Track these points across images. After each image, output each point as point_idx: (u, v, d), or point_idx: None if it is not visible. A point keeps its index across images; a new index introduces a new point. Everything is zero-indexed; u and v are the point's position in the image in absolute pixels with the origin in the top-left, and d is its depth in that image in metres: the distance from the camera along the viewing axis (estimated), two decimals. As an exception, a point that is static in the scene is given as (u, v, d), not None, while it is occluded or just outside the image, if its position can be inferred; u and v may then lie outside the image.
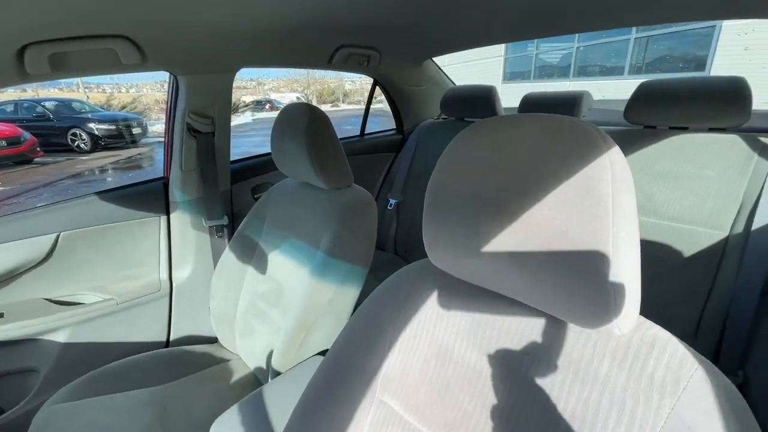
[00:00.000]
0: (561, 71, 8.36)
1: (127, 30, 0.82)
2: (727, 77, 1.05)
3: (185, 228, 1.28)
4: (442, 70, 1.85)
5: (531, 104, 1.40)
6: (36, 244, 1.06)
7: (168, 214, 1.27)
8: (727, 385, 0.38)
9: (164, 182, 1.27)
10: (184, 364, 1.12)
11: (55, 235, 1.08)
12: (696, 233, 1.08)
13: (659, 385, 0.38)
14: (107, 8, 0.70)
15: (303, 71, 20.65)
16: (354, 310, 1.35)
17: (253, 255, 1.16)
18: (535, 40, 8.55)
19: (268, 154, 1.52)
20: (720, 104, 1.04)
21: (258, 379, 1.10)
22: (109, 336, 1.18)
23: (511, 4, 1.03)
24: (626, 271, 0.37)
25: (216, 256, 1.31)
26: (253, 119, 14.18)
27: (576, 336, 0.44)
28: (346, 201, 1.00)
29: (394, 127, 1.97)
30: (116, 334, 1.20)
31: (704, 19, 1.06)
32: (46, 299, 1.12)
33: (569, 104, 1.29)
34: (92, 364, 1.08)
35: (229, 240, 1.30)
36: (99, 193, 1.18)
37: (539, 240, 0.39)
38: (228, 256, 1.18)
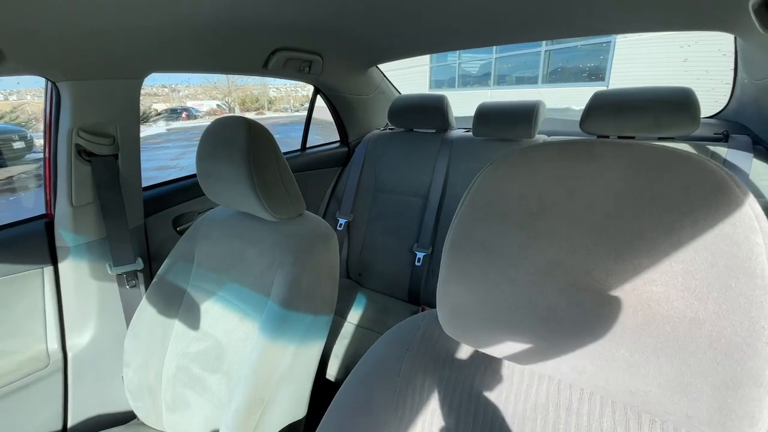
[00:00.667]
0: (481, 80, 8.87)
1: None
2: (676, 88, 1.07)
3: (82, 279, 0.98)
4: (387, 79, 1.74)
5: (486, 114, 1.34)
6: None
7: (55, 263, 0.96)
8: None
9: (47, 221, 0.96)
10: None
11: None
12: None
13: None
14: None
15: (223, 76, 19.42)
16: (328, 355, 1.15)
17: (179, 306, 0.92)
18: (457, 51, 8.99)
19: (193, 175, 1.26)
20: (668, 114, 1.06)
21: None
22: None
23: (461, 12, 0.96)
24: None
25: (129, 312, 1.03)
26: (167, 129, 12.89)
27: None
28: (300, 235, 0.82)
29: (326, 137, 1.81)
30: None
31: (653, 30, 1.08)
32: None
33: (526, 114, 1.25)
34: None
35: (146, 289, 1.03)
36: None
37: (641, 326, 0.27)
38: (146, 309, 0.92)
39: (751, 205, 0.24)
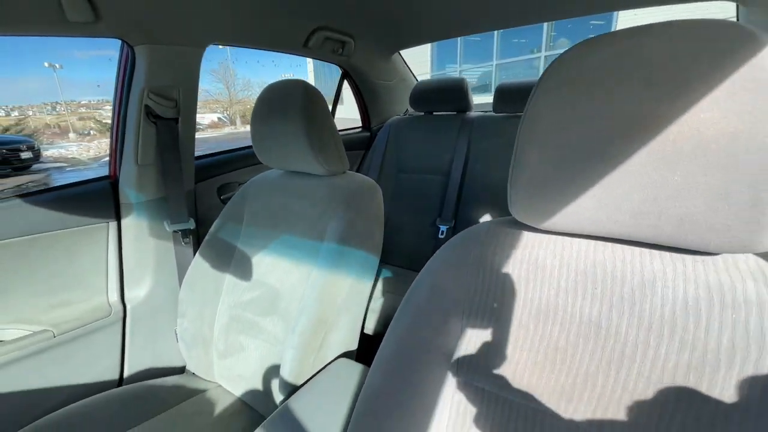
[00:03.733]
0: (481, 89, 9.08)
1: None
2: None
3: (141, 235, 1.05)
4: (408, 67, 1.84)
5: (507, 90, 1.43)
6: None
7: (118, 219, 1.03)
8: None
9: (111, 182, 1.04)
10: (147, 403, 0.90)
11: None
12: None
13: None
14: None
15: (223, 90, 19.69)
16: (367, 307, 1.22)
17: (231, 261, 0.99)
18: (457, 59, 9.20)
19: (235, 149, 1.35)
20: None
21: (250, 406, 0.92)
22: (46, 379, 0.90)
23: None
24: None
25: (181, 268, 1.10)
26: (218, 119, 13.16)
27: (714, 262, 0.40)
28: (350, 187, 0.90)
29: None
30: (55, 376, 0.92)
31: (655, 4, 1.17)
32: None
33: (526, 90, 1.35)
34: (26, 417, 0.82)
35: (196, 248, 1.10)
36: (23, 197, 0.91)
37: (687, 153, 0.35)
38: (199, 265, 0.99)
39: None
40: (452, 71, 9.52)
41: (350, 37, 1.33)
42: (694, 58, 0.34)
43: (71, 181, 1.00)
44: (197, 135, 1.15)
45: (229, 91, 20.21)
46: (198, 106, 1.11)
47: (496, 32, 8.04)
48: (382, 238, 0.94)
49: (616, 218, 0.40)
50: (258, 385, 0.91)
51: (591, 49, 0.40)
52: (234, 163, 1.31)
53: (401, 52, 1.73)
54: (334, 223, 0.86)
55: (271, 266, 0.94)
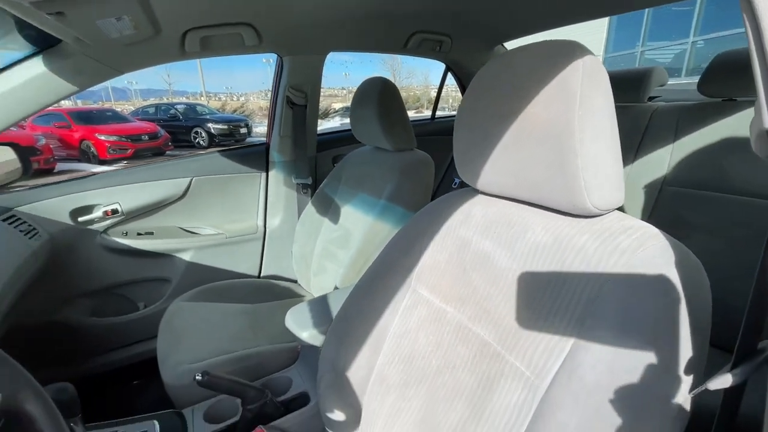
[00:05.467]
0: (671, 72, 7.51)
1: (250, 18, 1.10)
2: None
3: (279, 184, 1.57)
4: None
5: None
6: (176, 185, 1.43)
7: (267, 171, 1.58)
8: (688, 259, 0.45)
9: (266, 146, 1.58)
10: (270, 293, 1.39)
11: (189, 179, 1.44)
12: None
13: (623, 248, 0.47)
14: (238, 2, 0.98)
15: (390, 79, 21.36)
16: None
17: (329, 209, 1.40)
18: (641, 36, 7.82)
19: (346, 130, 1.78)
20: None
21: None
22: (218, 261, 1.51)
23: None
24: (596, 157, 0.47)
25: (300, 209, 1.58)
26: (340, 124, 15.25)
27: (567, 222, 0.55)
28: (408, 158, 1.18)
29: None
30: (223, 261, 1.53)
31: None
32: (180, 227, 1.48)
33: (636, 80, 1.29)
34: (205, 280, 1.41)
35: (311, 197, 1.56)
36: (221, 151, 1.52)
37: (531, 136, 0.51)
38: (309, 209, 1.43)
39: (583, 60, 0.46)
40: (632, 53, 8.14)
41: (447, 36, 1.55)
42: (535, 70, 0.51)
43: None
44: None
45: (395, 79, 21.91)
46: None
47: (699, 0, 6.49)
48: (428, 201, 1.19)
49: (502, 181, 0.59)
50: None
51: (495, 62, 0.59)
52: (346, 140, 1.73)
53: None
54: (388, 185, 1.16)
55: (350, 214, 1.31)
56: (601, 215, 0.52)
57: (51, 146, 7.68)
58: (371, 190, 1.23)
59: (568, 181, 0.48)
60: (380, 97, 1.13)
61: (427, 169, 1.19)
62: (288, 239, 1.58)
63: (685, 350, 0.40)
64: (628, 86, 1.33)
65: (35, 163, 6.91)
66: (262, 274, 1.61)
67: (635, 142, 1.30)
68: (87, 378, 1.32)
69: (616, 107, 0.49)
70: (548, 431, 0.43)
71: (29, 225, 1.13)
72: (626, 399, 0.39)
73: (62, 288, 1.28)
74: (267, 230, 1.60)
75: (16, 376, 0.45)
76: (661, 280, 0.43)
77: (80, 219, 1.27)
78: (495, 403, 0.53)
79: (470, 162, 0.62)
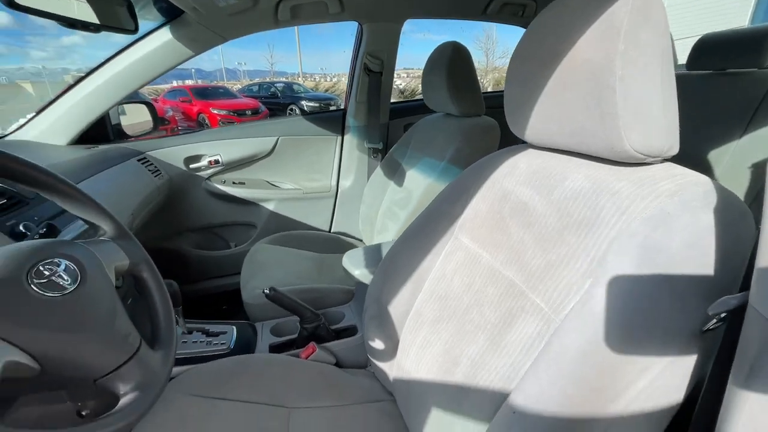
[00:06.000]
0: None
1: None
2: None
3: (352, 148, 1.69)
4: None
5: (709, 45, 1.24)
6: (266, 143, 1.63)
7: (342, 135, 1.70)
8: (733, 208, 0.42)
9: (343, 112, 1.70)
10: (336, 246, 1.53)
11: (276, 138, 1.63)
12: None
13: (659, 191, 0.46)
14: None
15: (482, 57, 20.44)
16: None
17: (396, 172, 1.47)
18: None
19: (421, 100, 1.81)
20: None
21: None
22: (295, 213, 1.70)
23: None
24: (640, 96, 0.45)
25: (370, 172, 1.68)
26: None
27: (609, 170, 0.54)
28: (473, 124, 1.19)
29: None
30: (299, 213, 1.71)
31: None
32: (266, 180, 1.69)
33: (755, 41, 1.10)
34: (284, 228, 1.61)
35: (381, 161, 1.65)
36: (303, 114, 1.68)
37: (573, 79, 0.51)
38: (378, 172, 1.52)
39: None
40: None
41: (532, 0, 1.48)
42: (584, 10, 0.51)
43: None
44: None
45: (487, 59, 20.86)
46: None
47: None
48: None
49: (547, 129, 0.60)
50: None
51: (548, 8, 0.59)
52: (418, 108, 1.77)
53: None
54: (450, 148, 1.19)
55: (413, 177, 1.37)
56: (647, 164, 0.50)
57: (176, 118, 9.00)
58: (435, 153, 1.26)
59: (606, 122, 0.47)
60: (450, 62, 1.15)
61: (491, 134, 1.18)
62: (357, 200, 1.69)
63: (701, 292, 0.39)
64: (743, 49, 1.14)
65: (163, 131, 8.20)
66: (332, 230, 1.76)
67: (747, 114, 1.13)
68: (185, 300, 1.61)
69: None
70: (552, 353, 0.46)
71: (155, 166, 1.40)
72: (631, 329, 0.40)
73: (174, 221, 1.56)
74: (339, 190, 1.73)
75: (140, 253, 0.61)
76: (691, 223, 0.41)
77: (191, 166, 1.53)
78: (512, 336, 0.56)
79: (518, 112, 0.64)
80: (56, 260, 0.44)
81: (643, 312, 0.40)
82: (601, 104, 0.47)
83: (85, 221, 0.58)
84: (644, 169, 0.50)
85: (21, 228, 0.68)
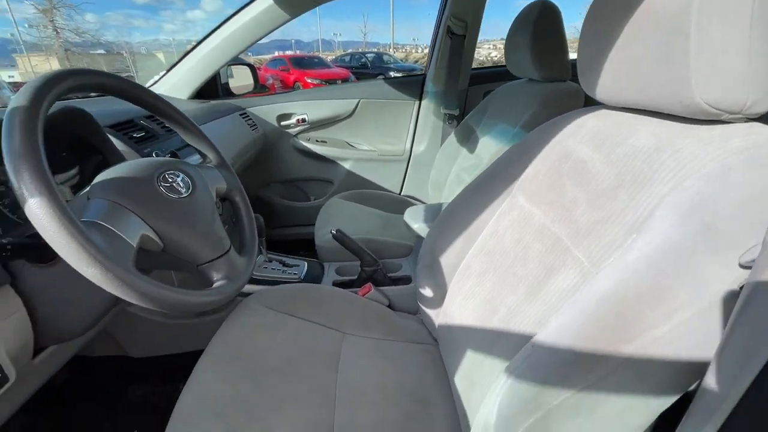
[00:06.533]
0: None
1: None
2: None
3: (428, 113, 1.71)
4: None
5: None
6: (347, 104, 1.73)
7: (420, 100, 1.73)
8: None
9: (423, 77, 1.72)
10: (405, 208, 1.58)
11: (356, 100, 1.72)
12: None
13: (727, 148, 0.42)
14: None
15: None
16: None
17: (469, 139, 1.47)
18: None
19: (503, 66, 1.74)
20: None
21: None
22: (369, 174, 1.80)
23: None
24: (719, 44, 0.41)
25: (443, 138, 1.70)
26: None
27: (678, 127, 0.51)
28: (554, 89, 1.14)
29: None
30: (373, 174, 1.81)
31: None
32: (345, 141, 1.81)
33: None
34: (357, 187, 1.72)
35: (456, 127, 1.65)
36: (385, 78, 1.74)
37: (643, 28, 0.49)
38: (451, 138, 1.53)
39: None
40: None
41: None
42: None
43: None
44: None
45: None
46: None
47: None
48: None
49: (616, 85, 0.58)
50: None
51: None
52: (499, 75, 1.71)
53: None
54: (526, 113, 1.16)
55: (485, 143, 1.36)
56: (725, 122, 0.46)
57: (275, 86, 9.73)
58: (510, 119, 1.24)
59: (675, 72, 0.45)
60: (536, 22, 1.10)
61: (574, 100, 1.12)
62: (429, 165, 1.73)
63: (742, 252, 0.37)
64: None
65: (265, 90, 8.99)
66: (402, 193, 1.84)
67: None
68: (268, 241, 1.85)
69: None
70: (578, 296, 0.47)
71: (253, 122, 1.60)
72: (660, 275, 0.40)
73: (265, 173, 1.78)
74: (412, 154, 1.78)
75: (235, 182, 0.74)
76: (751, 180, 0.39)
77: (282, 123, 1.71)
78: (549, 287, 0.58)
79: (589, 70, 0.62)
80: (176, 173, 0.58)
81: (675, 262, 0.39)
82: (671, 53, 0.45)
83: (198, 151, 0.73)
84: (720, 127, 0.46)
85: (153, 154, 0.87)
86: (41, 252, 0.50)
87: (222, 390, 0.64)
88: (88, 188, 0.51)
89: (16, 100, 0.41)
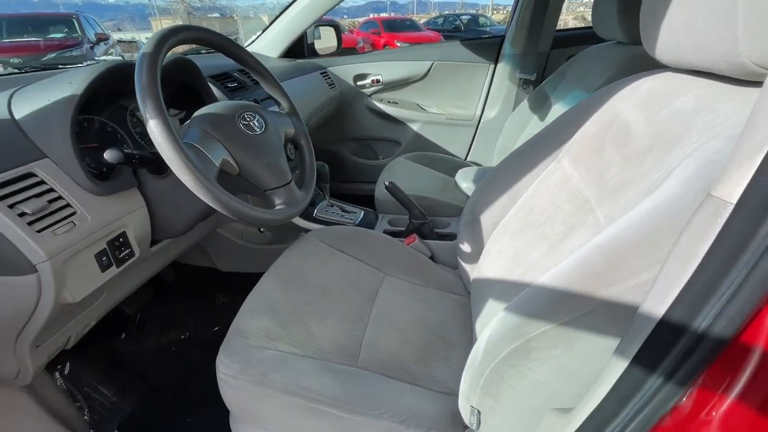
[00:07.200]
0: None
1: None
2: None
3: (503, 77, 1.67)
4: None
5: None
6: (421, 66, 1.76)
7: (496, 63, 1.68)
8: None
9: (502, 38, 1.66)
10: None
11: (430, 62, 1.74)
12: None
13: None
14: None
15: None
16: None
17: (542, 106, 1.42)
18: None
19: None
20: None
21: None
22: (436, 137, 1.84)
23: None
24: (762, 5, 0.38)
25: (516, 104, 1.65)
26: None
27: (724, 89, 0.48)
28: (639, 52, 1.05)
29: None
30: (440, 138, 1.84)
31: None
32: (416, 103, 1.86)
33: None
34: (423, 149, 1.78)
35: (530, 93, 1.59)
36: (461, 40, 1.72)
37: None
38: (524, 104, 1.49)
39: None
40: None
41: None
42: None
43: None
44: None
45: None
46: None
47: None
48: None
49: (672, 44, 0.55)
50: None
51: None
52: (587, 37, 1.57)
53: None
54: (601, 79, 1.09)
55: (557, 111, 1.31)
56: None
57: (365, 49, 9.85)
58: (586, 84, 1.18)
59: (723, 27, 0.43)
60: None
61: (654, 64, 1.02)
62: (498, 131, 1.71)
63: None
64: None
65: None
66: (467, 158, 1.84)
67: None
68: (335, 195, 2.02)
69: None
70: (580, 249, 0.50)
71: (332, 80, 1.72)
72: (653, 226, 0.41)
73: (339, 130, 1.91)
74: (482, 120, 1.77)
75: (302, 128, 0.87)
76: None
77: (358, 83, 1.81)
78: (567, 243, 0.61)
79: (650, 28, 0.59)
80: (254, 114, 0.71)
81: (672, 217, 0.40)
82: (720, 9, 0.43)
83: (275, 100, 0.86)
84: (744, 89, 0.45)
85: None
86: (158, 166, 0.67)
87: (278, 296, 0.80)
88: (189, 120, 0.67)
89: (145, 47, 0.56)
